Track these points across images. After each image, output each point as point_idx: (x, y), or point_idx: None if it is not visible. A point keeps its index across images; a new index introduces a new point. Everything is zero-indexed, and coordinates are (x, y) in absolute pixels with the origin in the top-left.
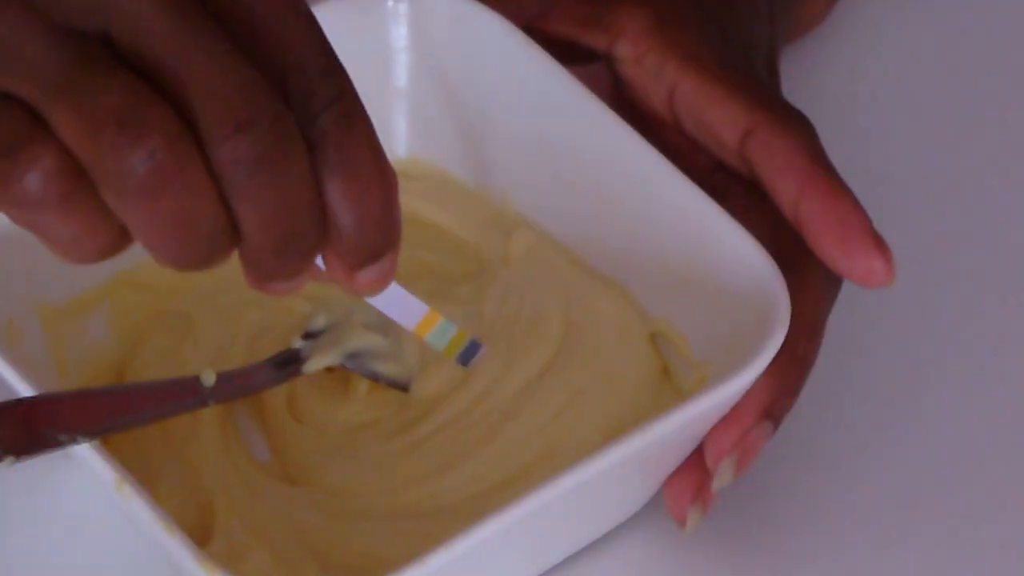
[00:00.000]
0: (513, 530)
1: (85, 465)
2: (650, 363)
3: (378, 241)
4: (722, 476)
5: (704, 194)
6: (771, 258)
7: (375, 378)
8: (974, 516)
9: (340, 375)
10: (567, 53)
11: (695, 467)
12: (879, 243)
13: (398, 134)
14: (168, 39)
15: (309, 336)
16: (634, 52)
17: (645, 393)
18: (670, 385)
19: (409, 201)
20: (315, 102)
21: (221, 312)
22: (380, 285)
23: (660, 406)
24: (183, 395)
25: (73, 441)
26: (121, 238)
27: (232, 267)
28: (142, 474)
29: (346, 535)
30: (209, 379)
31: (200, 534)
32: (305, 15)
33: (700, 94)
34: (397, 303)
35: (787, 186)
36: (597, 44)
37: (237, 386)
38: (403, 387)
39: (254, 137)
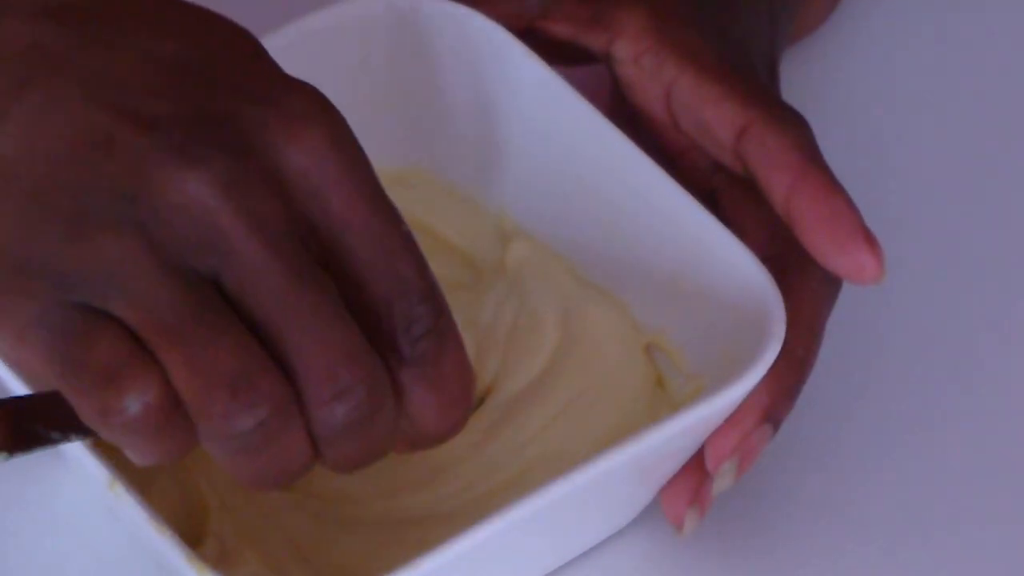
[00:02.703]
0: (505, 537)
1: (76, 465)
2: (644, 374)
3: (453, 430)
4: (723, 480)
5: (701, 205)
6: (767, 271)
7: None
8: (975, 517)
9: None
10: (568, 54)
11: (692, 470)
12: (869, 239)
13: (395, 142)
14: (280, 295)
15: None
16: (632, 52)
17: (639, 404)
18: (664, 396)
19: (406, 209)
20: (416, 327)
21: None
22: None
23: (654, 417)
24: None
25: (66, 439)
26: (195, 446)
27: None
28: (134, 476)
29: (339, 541)
30: None
31: (191, 537)
32: (404, 239)
33: (697, 92)
34: None
35: (779, 182)
36: (596, 45)
37: None
38: None
39: (350, 406)
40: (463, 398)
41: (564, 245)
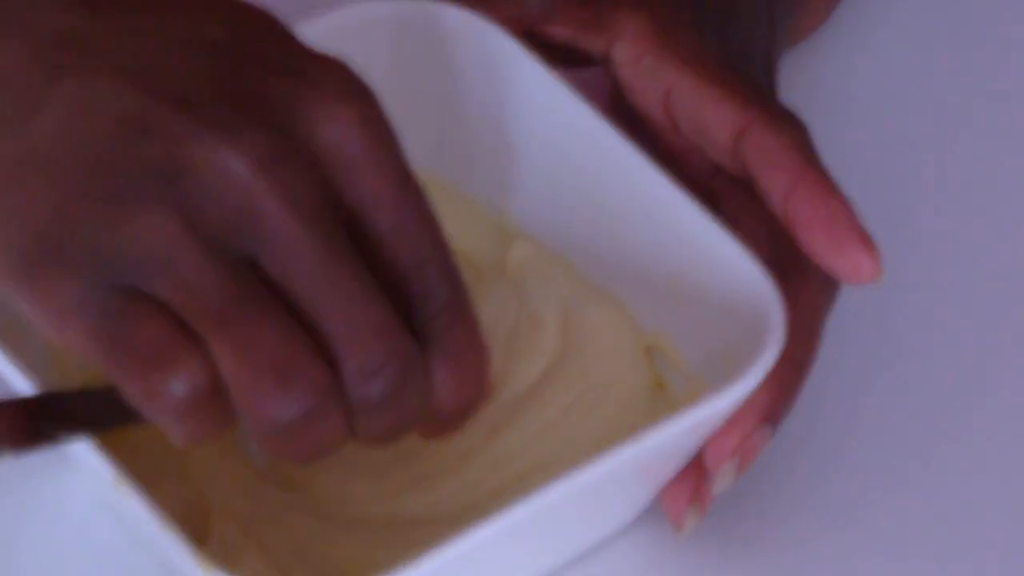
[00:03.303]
0: (505, 538)
1: (80, 463)
2: (645, 376)
3: (469, 412)
4: (722, 480)
5: (702, 208)
6: (768, 273)
7: None
8: (975, 517)
9: None
10: (568, 57)
11: (692, 469)
12: (866, 239)
13: None
14: (316, 274)
15: None
16: (632, 54)
17: (639, 406)
18: (664, 398)
19: None
20: (432, 304)
21: None
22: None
23: (654, 419)
24: None
25: (71, 437)
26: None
27: None
28: (138, 476)
29: (340, 541)
30: None
31: (194, 537)
32: (429, 216)
33: (695, 95)
34: None
35: (777, 183)
36: (596, 47)
37: None
38: None
39: (385, 382)
40: (477, 375)
41: (565, 247)
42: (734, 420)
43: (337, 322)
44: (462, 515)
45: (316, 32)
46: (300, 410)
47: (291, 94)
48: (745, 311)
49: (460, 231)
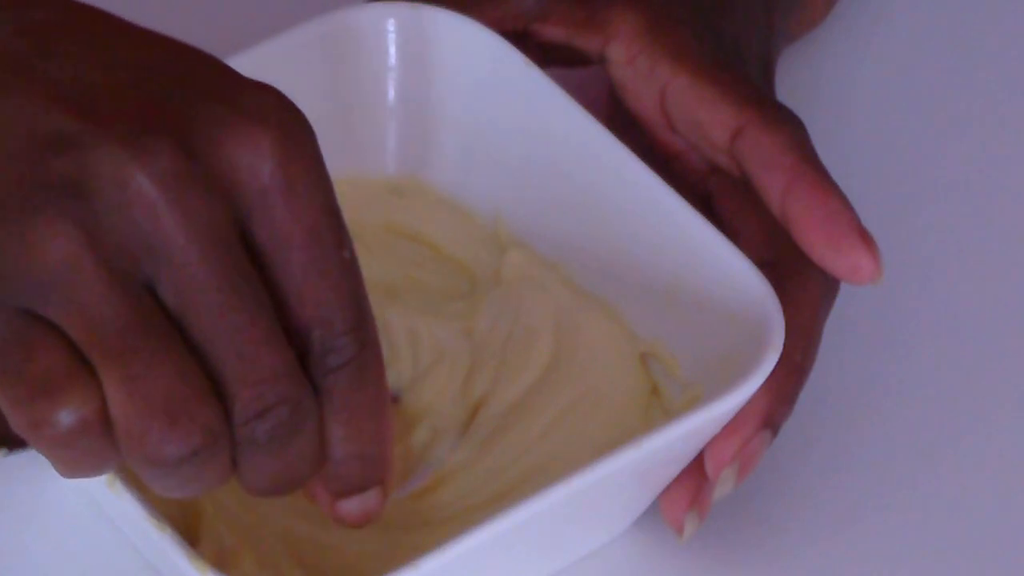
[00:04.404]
0: (501, 542)
1: None
2: (640, 383)
3: (365, 476)
4: (723, 486)
5: (697, 212)
6: (765, 279)
7: None
8: (976, 520)
9: None
10: (564, 57)
11: (691, 474)
12: (866, 239)
13: (390, 151)
14: (214, 306)
15: None
16: (627, 54)
17: (634, 413)
18: (660, 405)
19: (401, 219)
20: (334, 358)
21: None
22: (362, 520)
23: (649, 426)
24: None
25: None
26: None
27: None
28: (132, 475)
29: (334, 545)
30: None
31: (187, 539)
32: (341, 265)
33: (691, 94)
34: None
35: (775, 182)
36: (591, 47)
37: None
38: (393, 398)
39: (272, 424)
40: (375, 440)
41: (559, 254)
42: (733, 425)
43: (230, 359)
44: (458, 520)
45: (306, 37)
46: (185, 451)
47: (214, 116)
48: (742, 317)
49: (454, 239)
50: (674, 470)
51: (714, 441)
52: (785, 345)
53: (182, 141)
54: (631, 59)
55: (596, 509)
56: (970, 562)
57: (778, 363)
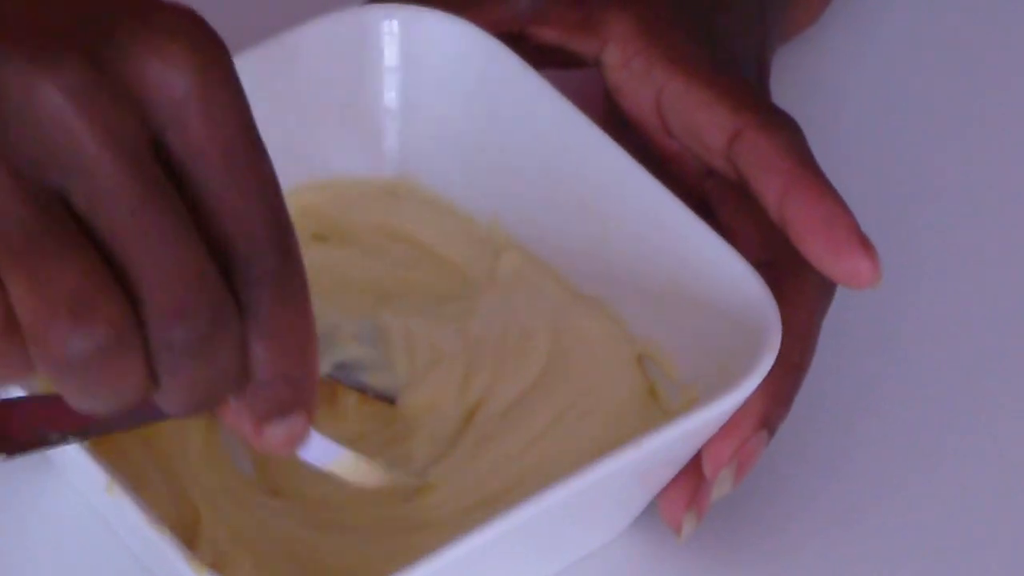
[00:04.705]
0: (497, 544)
1: (70, 469)
2: (637, 384)
3: (288, 397)
4: (721, 486)
5: (694, 214)
6: (761, 280)
7: (363, 390)
8: (975, 521)
9: (327, 387)
10: (559, 59)
11: (689, 474)
12: (865, 243)
13: (387, 153)
14: (126, 215)
15: None
16: (622, 56)
17: (631, 414)
18: (657, 407)
19: (397, 220)
20: (255, 269)
21: None
22: (287, 446)
23: (646, 428)
24: None
25: (64, 441)
26: (31, 373)
27: None
28: (128, 481)
29: (331, 548)
30: None
31: (184, 543)
32: (259, 176)
33: (687, 97)
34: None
35: (772, 186)
36: (587, 50)
37: None
38: (390, 400)
39: (191, 327)
40: (300, 361)
41: (555, 256)
42: (731, 426)
43: (144, 262)
44: (454, 522)
45: (303, 38)
46: (92, 344)
47: (126, 28)
48: (739, 318)
49: (449, 240)
50: (672, 471)
51: (711, 442)
52: (782, 346)
53: (93, 56)
54: (627, 62)
55: (595, 510)
56: (970, 562)
57: (775, 364)
